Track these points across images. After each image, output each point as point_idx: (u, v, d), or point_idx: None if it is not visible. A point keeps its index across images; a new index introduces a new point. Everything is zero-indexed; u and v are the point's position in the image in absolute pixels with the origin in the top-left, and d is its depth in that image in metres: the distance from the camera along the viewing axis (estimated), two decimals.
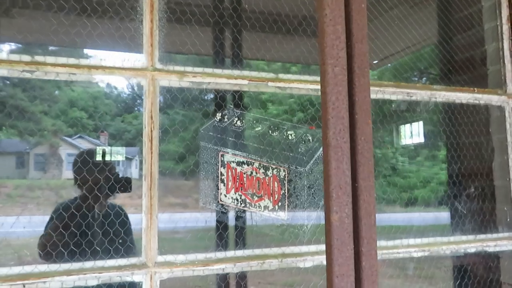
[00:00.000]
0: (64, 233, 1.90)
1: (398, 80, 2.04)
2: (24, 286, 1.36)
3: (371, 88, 1.92)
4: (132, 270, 1.49)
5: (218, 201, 1.80)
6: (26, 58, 1.49)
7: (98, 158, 2.16)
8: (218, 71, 1.72)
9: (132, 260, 1.51)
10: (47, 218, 2.14)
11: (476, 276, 2.41)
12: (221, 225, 2.53)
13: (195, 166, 1.92)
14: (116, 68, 1.58)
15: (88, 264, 1.45)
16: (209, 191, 1.82)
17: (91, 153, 2.21)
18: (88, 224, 1.95)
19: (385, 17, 2.91)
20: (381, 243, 1.86)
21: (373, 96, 1.90)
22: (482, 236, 2.06)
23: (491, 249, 2.05)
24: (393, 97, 1.96)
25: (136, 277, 1.49)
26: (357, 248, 1.11)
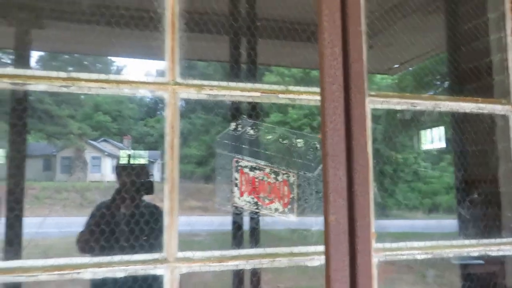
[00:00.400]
0: (96, 230, 2.11)
1: (418, 84, 2.14)
2: (60, 276, 1.54)
3: (377, 99, 2.05)
4: (154, 264, 1.66)
5: (232, 204, 1.96)
6: (63, 74, 1.68)
7: (123, 162, 2.38)
8: (232, 84, 1.87)
9: (155, 256, 1.68)
10: (73, 219, 2.38)
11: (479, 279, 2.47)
12: (235, 225, 2.69)
13: (212, 171, 2.09)
14: (141, 83, 1.76)
15: (116, 258, 1.62)
16: (224, 194, 1.98)
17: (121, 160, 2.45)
18: (117, 222, 2.16)
19: (396, 27, 3.02)
20: (385, 245, 1.96)
21: (378, 106, 2.01)
22: (485, 241, 2.13)
23: (494, 253, 2.12)
24: (398, 107, 2.06)
25: (159, 270, 1.66)
26: (353, 247, 1.24)
